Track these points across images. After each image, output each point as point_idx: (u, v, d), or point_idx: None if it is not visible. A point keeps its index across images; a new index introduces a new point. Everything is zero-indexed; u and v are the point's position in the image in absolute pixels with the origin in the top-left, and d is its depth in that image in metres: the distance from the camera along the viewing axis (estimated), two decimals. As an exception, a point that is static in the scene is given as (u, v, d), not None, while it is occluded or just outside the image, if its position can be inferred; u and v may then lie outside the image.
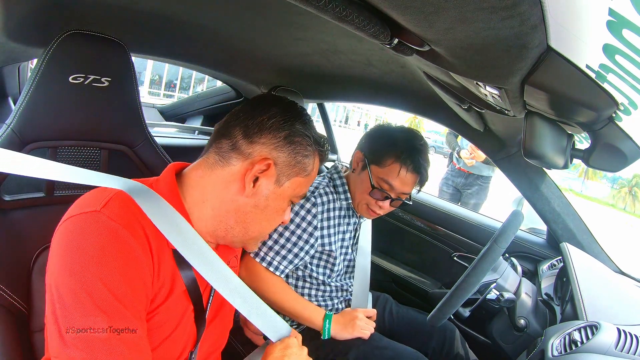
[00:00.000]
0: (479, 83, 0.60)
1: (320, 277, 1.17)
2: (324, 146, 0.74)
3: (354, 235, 1.27)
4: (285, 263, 1.07)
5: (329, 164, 2.18)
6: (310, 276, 1.17)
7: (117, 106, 0.87)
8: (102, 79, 0.81)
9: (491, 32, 0.40)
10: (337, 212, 1.16)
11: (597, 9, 0.33)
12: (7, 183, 0.80)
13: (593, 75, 0.46)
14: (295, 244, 1.08)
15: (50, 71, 0.75)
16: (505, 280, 1.08)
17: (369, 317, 1.15)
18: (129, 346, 0.53)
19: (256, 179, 0.67)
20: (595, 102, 0.51)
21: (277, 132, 0.67)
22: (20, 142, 0.77)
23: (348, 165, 1.25)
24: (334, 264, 1.17)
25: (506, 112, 0.76)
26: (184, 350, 0.70)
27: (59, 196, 0.87)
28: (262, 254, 1.07)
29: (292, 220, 1.08)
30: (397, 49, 0.55)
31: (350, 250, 1.24)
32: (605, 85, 0.47)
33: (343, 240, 1.20)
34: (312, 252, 1.12)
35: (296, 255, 1.08)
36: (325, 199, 1.13)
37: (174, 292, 0.64)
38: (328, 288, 1.20)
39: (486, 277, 1.03)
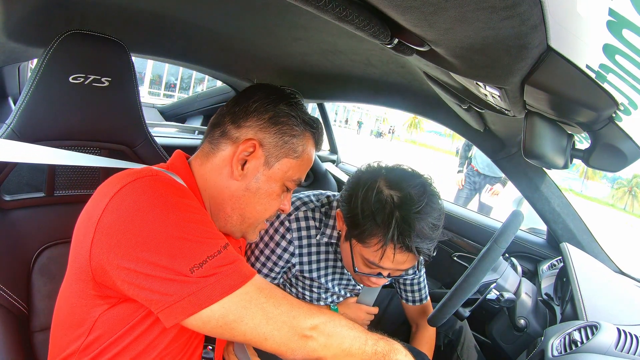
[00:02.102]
0: (479, 83, 0.60)
1: (307, 298, 1.10)
2: (315, 127, 0.74)
3: (343, 281, 1.11)
4: None
5: (342, 175, 2.16)
6: (297, 296, 1.12)
7: (117, 106, 0.87)
8: (102, 79, 0.81)
9: (491, 32, 0.40)
10: (319, 241, 1.00)
11: (597, 9, 0.33)
12: (7, 183, 0.80)
13: (593, 75, 0.46)
14: (265, 265, 1.01)
15: (50, 71, 0.75)
16: (505, 280, 1.08)
17: (369, 313, 1.15)
18: (235, 254, 0.59)
19: (245, 163, 0.68)
20: (595, 102, 0.51)
21: (261, 114, 0.69)
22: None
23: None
24: (319, 287, 1.07)
25: (506, 112, 0.76)
26: (191, 341, 0.71)
27: (59, 196, 0.87)
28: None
29: (267, 245, 1.00)
30: (397, 49, 0.55)
31: (351, 284, 1.11)
32: (605, 85, 0.47)
33: (334, 274, 1.06)
34: (289, 275, 1.05)
35: (266, 275, 1.02)
36: (302, 224, 0.98)
37: None
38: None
39: (486, 277, 1.03)
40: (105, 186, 0.59)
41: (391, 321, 1.31)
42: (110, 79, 0.82)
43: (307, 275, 1.04)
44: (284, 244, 0.99)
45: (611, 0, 0.30)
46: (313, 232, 1.00)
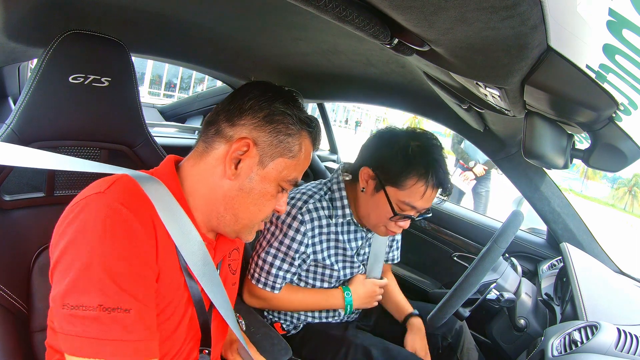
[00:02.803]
0: (479, 83, 0.60)
1: (318, 285, 1.17)
2: (312, 126, 0.71)
3: (362, 249, 1.20)
4: (279, 280, 1.06)
5: (333, 165, 2.17)
6: (306, 283, 1.18)
7: (117, 106, 0.87)
8: (102, 79, 0.81)
9: (491, 32, 0.40)
10: (332, 229, 1.10)
11: (597, 9, 0.33)
12: (7, 183, 0.80)
13: (593, 75, 0.46)
14: (285, 261, 1.06)
15: (50, 71, 0.75)
16: (505, 280, 1.08)
17: (380, 286, 1.21)
18: (120, 325, 0.52)
19: (239, 162, 0.66)
20: (595, 102, 0.51)
21: (256, 112, 0.67)
22: (20, 142, 0.77)
23: (345, 171, 1.18)
24: (331, 276, 1.15)
25: (506, 112, 0.76)
26: (185, 345, 0.70)
27: (59, 196, 0.87)
28: (256, 275, 1.07)
29: (281, 242, 1.05)
30: (397, 49, 0.55)
31: (355, 264, 1.18)
32: (605, 85, 0.47)
33: (344, 255, 1.15)
34: (304, 266, 1.11)
35: (287, 271, 1.07)
36: (314, 215, 1.06)
37: (176, 282, 0.65)
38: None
39: (486, 277, 1.03)
40: (78, 195, 0.60)
41: (391, 319, 1.31)
42: (110, 79, 0.82)
43: (320, 263, 1.10)
44: (299, 237, 1.04)
45: (611, 0, 0.30)
46: (324, 221, 1.07)
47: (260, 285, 1.07)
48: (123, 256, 0.54)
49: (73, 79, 0.77)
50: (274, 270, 1.06)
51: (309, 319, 1.20)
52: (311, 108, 2.73)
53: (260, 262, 1.07)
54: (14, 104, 0.89)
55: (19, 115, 0.76)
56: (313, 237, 1.06)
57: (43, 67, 0.75)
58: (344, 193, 1.09)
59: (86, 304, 0.51)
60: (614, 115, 0.55)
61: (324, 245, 1.10)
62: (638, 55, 0.36)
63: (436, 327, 1.04)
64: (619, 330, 0.71)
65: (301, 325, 1.20)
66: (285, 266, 1.06)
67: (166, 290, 0.62)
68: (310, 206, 1.06)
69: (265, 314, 1.22)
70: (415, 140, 1.00)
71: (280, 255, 1.05)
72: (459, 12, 0.38)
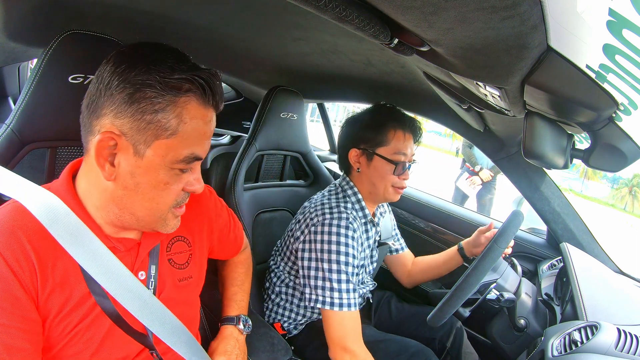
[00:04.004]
0: (479, 83, 0.60)
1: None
2: (192, 83, 0.57)
3: (373, 246, 1.25)
4: (351, 295, 1.00)
5: (333, 165, 2.16)
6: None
7: (117, 106, 0.87)
8: (102, 79, 0.81)
9: (491, 32, 0.40)
10: (362, 228, 1.15)
11: (597, 9, 0.33)
12: (7, 183, 0.80)
13: (593, 75, 0.46)
14: (353, 274, 1.03)
15: (49, 71, 0.75)
16: (505, 280, 1.08)
17: None
18: None
19: (115, 158, 0.58)
20: (595, 102, 0.51)
21: (114, 96, 0.56)
22: (19, 142, 0.77)
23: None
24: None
25: (506, 112, 0.76)
26: (131, 351, 0.68)
27: (59, 196, 0.87)
28: (328, 299, 1.00)
29: (338, 252, 1.01)
30: (397, 49, 0.55)
31: (369, 259, 1.23)
32: (605, 85, 0.47)
33: (363, 253, 1.18)
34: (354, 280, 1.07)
35: (353, 283, 1.03)
36: (351, 216, 1.08)
37: (80, 300, 0.62)
38: None
39: (486, 277, 1.03)
40: None
41: (406, 325, 1.31)
42: (110, 79, 0.82)
43: (357, 258, 1.08)
44: (350, 242, 1.04)
45: (611, 0, 0.30)
46: (358, 220, 1.14)
47: (335, 308, 0.98)
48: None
49: (72, 79, 0.77)
50: (344, 286, 1.00)
51: (314, 315, 1.20)
52: (311, 108, 2.72)
53: (319, 284, 1.02)
54: (14, 104, 0.89)
55: (18, 115, 0.76)
56: (362, 244, 1.12)
57: (43, 67, 0.75)
58: (355, 189, 1.17)
59: None
60: (614, 115, 0.55)
61: (364, 248, 1.15)
62: (638, 55, 0.36)
63: (436, 327, 1.04)
64: (619, 330, 0.71)
65: (303, 325, 1.20)
66: (352, 278, 1.02)
67: (68, 313, 0.60)
68: (344, 214, 1.06)
69: (267, 312, 1.22)
70: (374, 110, 1.18)
71: (342, 267, 1.01)
72: (459, 12, 0.38)
